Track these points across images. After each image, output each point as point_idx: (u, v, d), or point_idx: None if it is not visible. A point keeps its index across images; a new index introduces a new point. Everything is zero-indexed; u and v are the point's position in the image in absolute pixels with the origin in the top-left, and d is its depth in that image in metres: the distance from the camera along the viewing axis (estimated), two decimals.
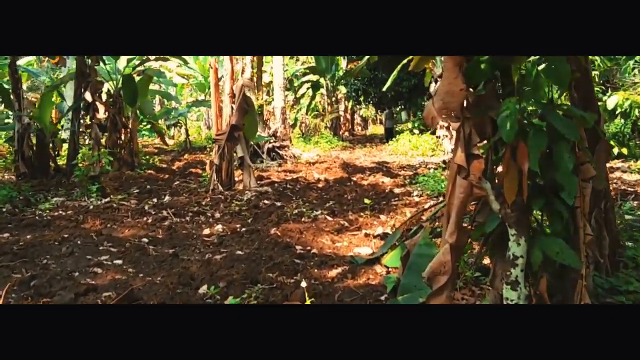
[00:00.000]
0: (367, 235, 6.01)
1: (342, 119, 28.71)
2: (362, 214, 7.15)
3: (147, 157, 16.04)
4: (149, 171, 13.14)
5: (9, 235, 6.40)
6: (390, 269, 4.67)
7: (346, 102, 31.93)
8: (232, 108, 9.88)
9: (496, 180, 3.30)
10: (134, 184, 11.23)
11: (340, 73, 27.65)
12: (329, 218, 6.96)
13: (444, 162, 13.16)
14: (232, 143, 9.80)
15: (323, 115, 27.94)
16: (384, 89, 16.13)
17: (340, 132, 27.22)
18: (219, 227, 6.70)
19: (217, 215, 7.54)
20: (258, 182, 10.24)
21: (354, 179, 11.50)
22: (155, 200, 8.85)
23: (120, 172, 12.39)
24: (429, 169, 12.41)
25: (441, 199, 7.96)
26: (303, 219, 6.92)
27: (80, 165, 9.84)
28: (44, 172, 12.24)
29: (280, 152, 15.89)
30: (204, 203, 8.43)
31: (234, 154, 10.08)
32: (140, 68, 14.51)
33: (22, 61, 20.99)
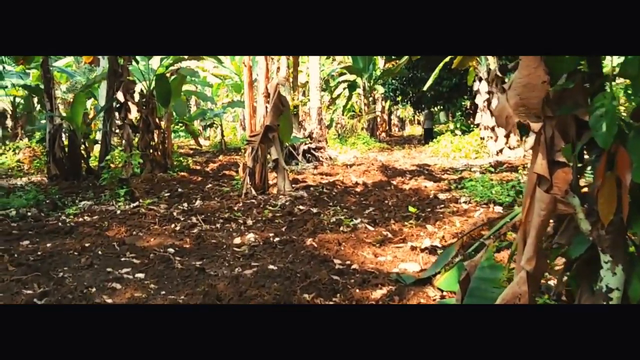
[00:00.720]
0: (413, 248, 5.41)
1: (379, 119, 28.04)
2: (406, 223, 6.55)
3: (181, 158, 15.73)
4: (182, 173, 12.78)
5: (29, 243, 6.02)
6: (445, 293, 4.07)
7: (383, 102, 31.29)
8: (266, 108, 9.39)
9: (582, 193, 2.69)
10: (166, 186, 10.86)
11: (378, 72, 27.01)
12: (370, 227, 6.38)
13: (491, 164, 12.44)
14: (266, 145, 9.31)
15: (359, 115, 27.35)
16: (424, 88, 15.50)
17: (377, 133, 26.56)
18: (250, 236, 6.19)
19: (249, 222, 7.04)
20: (293, 185, 9.74)
21: (394, 182, 10.89)
22: (185, 204, 8.41)
23: (152, 174, 12.05)
24: (474, 172, 11.71)
25: (494, 208, 7.30)
26: (341, 228, 6.35)
27: (111, 166, 9.46)
28: (76, 174, 11.99)
29: (316, 154, 15.37)
30: (235, 208, 7.96)
31: (268, 156, 9.59)
32: (174, 67, 14.17)
33: (61, 62, 21.03)
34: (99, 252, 5.40)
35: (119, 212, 7.78)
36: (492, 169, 12.10)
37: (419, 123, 44.74)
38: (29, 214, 7.79)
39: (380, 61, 27.36)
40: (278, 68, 9.49)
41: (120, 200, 8.43)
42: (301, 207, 8.04)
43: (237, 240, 6.11)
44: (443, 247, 5.39)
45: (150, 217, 7.17)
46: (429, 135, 25.11)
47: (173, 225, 6.80)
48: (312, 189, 9.86)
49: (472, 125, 17.87)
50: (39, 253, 5.43)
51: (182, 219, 7.15)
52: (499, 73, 15.27)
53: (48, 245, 5.83)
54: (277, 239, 6.06)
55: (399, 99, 28.48)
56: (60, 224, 6.93)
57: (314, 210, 7.65)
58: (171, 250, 5.59)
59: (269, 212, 7.59)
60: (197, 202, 8.68)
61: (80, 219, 7.25)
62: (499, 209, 7.42)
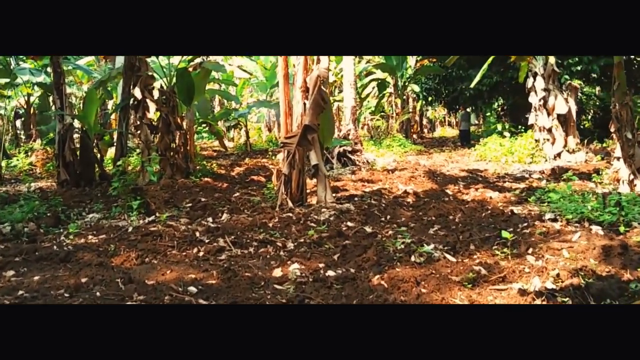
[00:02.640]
0: (522, 292, 3.95)
1: (411, 120, 26.51)
2: (496, 251, 5.08)
3: (204, 162, 14.42)
4: (206, 179, 11.43)
5: (13, 274, 4.71)
6: None
7: (414, 102, 29.69)
8: (304, 105, 8.00)
9: None
10: (187, 194, 9.53)
11: (409, 71, 25.49)
12: (450, 257, 4.92)
13: (554, 170, 10.89)
14: (304, 148, 7.92)
15: (389, 116, 25.85)
16: (472, 85, 13.97)
17: (411, 135, 25.04)
18: (294, 268, 4.80)
19: (290, 245, 5.66)
20: (333, 194, 8.33)
21: (449, 191, 9.42)
22: (210, 219, 7.07)
23: (173, 180, 10.73)
24: (539, 179, 10.19)
25: (591, 227, 5.80)
26: (413, 258, 4.91)
27: (126, 172, 8.14)
28: (88, 180, 10.73)
29: (352, 158, 13.94)
30: (271, 225, 6.58)
31: (306, 161, 8.21)
32: (197, 61, 12.85)
33: (82, 61, 19.96)
34: (97, 294, 4.04)
35: (130, 229, 6.45)
36: (574, 177, 10.58)
37: (449, 124, 43.10)
38: (26, 229, 6.50)
39: (411, 59, 25.81)
40: (318, 58, 8.08)
41: (133, 214, 7.10)
42: (350, 223, 6.64)
43: (278, 273, 4.73)
44: (561, 290, 3.94)
45: (167, 238, 5.81)
46: (465, 137, 23.55)
47: (196, 250, 5.44)
48: (356, 199, 8.45)
49: (520, 127, 16.30)
50: (20, 293, 4.09)
51: (206, 240, 5.77)
52: (556, 68, 13.71)
53: (35, 278, 4.50)
54: (330, 272, 4.65)
55: (430, 98, 26.97)
56: (56, 247, 5.59)
57: (368, 229, 6.24)
58: (193, 289, 4.21)
59: (312, 231, 6.20)
60: (224, 215, 7.33)
61: (82, 240, 5.92)
62: (596, 228, 5.94)
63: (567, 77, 16.67)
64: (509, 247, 5.03)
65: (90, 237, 6.09)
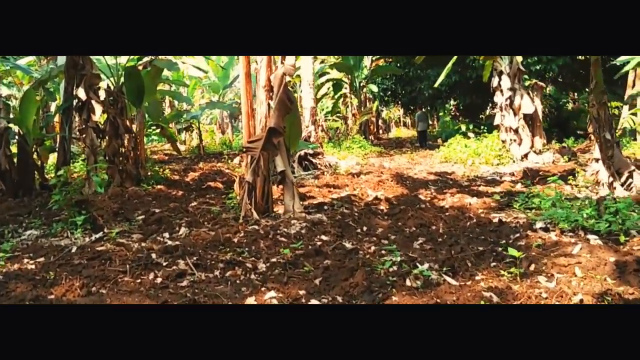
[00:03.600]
0: None
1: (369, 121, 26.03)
2: (501, 271, 4.49)
3: (157, 166, 13.48)
4: (159, 186, 10.55)
5: None
6: None
7: (371, 102, 29.28)
8: (268, 106, 7.29)
9: None
10: (139, 204, 8.66)
11: (365, 71, 25.02)
12: (451, 280, 4.30)
13: (526, 173, 10.50)
14: (269, 153, 7.21)
15: (345, 117, 25.31)
16: (436, 84, 13.54)
17: (369, 136, 24.57)
18: (270, 296, 4.09)
19: (262, 266, 4.93)
20: (300, 202, 7.64)
21: (422, 197, 8.88)
22: (166, 235, 6.27)
23: (122, 189, 9.82)
24: (514, 182, 9.76)
25: (587, 236, 5.30)
26: (408, 282, 4.26)
27: (69, 181, 7.21)
28: (27, 190, 9.70)
29: (314, 161, 13.27)
30: (236, 240, 5.85)
31: (271, 168, 7.50)
32: (147, 59, 11.91)
33: (23, 61, 18.58)
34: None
35: (74, 249, 5.59)
36: (529, 179, 10.20)
37: (404, 125, 43.02)
38: None
39: (366, 59, 25.33)
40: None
41: (77, 232, 6.21)
42: (324, 237, 5.98)
43: (251, 302, 4.02)
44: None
45: (118, 261, 4.98)
46: (423, 138, 23.29)
47: (152, 276, 4.64)
48: (326, 207, 7.78)
49: (483, 127, 15.99)
50: None
51: (164, 263, 4.97)
52: (522, 67, 13.40)
53: None
54: (313, 300, 3.97)
55: (387, 99, 26.61)
56: None
57: (347, 244, 5.58)
58: None
59: (284, 246, 5.51)
60: (182, 230, 6.54)
61: (16, 266, 5.03)
62: (593, 237, 5.47)
63: (526, 76, 16.49)
64: (517, 266, 4.43)
65: (26, 260, 5.20)
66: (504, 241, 5.58)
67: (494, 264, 4.74)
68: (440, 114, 33.38)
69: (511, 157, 13.16)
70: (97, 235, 6.19)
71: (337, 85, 26.54)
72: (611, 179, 8.31)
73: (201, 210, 7.79)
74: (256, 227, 6.49)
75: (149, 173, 11.70)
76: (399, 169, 12.80)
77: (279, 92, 7.14)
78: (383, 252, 5.29)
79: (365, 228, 6.53)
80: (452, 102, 26.77)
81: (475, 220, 6.63)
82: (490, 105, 24.94)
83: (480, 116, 24.22)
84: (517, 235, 5.74)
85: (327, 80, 25.72)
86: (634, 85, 17.61)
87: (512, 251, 4.37)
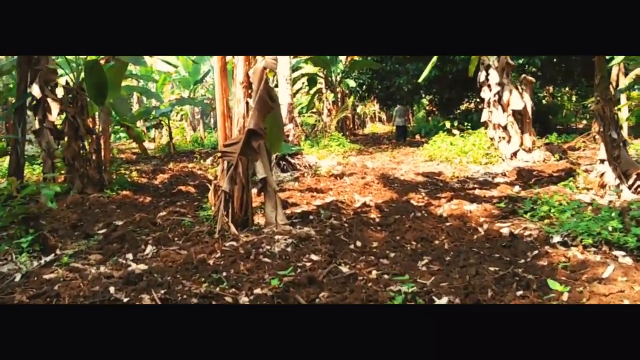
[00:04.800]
0: None
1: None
2: (535, 300, 3.74)
3: (122, 169, 12.49)
4: (124, 192, 9.62)
5: None
6: None
7: (347, 98, 28.49)
8: (247, 104, 6.45)
9: None
10: (102, 214, 7.77)
11: (341, 66, 24.20)
12: None
13: (521, 173, 9.85)
14: (248, 157, 6.38)
15: (320, 112, 24.49)
16: (420, 79, 12.82)
17: (347, 133, 23.81)
18: None
19: (244, 299, 4.11)
20: (284, 211, 6.82)
21: (414, 202, 8.14)
22: (130, 256, 5.40)
23: (83, 196, 8.88)
24: (512, 185, 9.08)
25: (615, 253, 4.61)
26: None
27: (10, 196, 6.22)
28: None
29: (293, 162, 12.45)
30: (211, 262, 5.01)
31: (251, 175, 6.67)
32: None
33: None
34: None
35: (19, 277, 4.70)
36: (524, 180, 9.55)
37: (380, 120, 42.31)
38: None
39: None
40: None
41: (22, 256, 5.27)
42: (314, 256, 5.18)
43: None
44: None
45: (68, 297, 4.09)
46: (402, 134, 22.64)
47: None
48: (311, 217, 6.98)
49: (466, 124, 15.32)
50: None
51: (124, 298, 4.09)
52: (510, 61, 12.74)
53: None
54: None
55: (362, 94, 25.80)
56: None
57: (344, 268, 4.78)
58: None
59: (268, 269, 4.71)
60: (148, 248, 5.67)
61: None
62: (620, 254, 4.80)
63: None
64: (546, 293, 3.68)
65: None
66: (522, 260, 4.86)
67: (519, 292, 3.99)
68: (415, 108, 32.81)
69: (500, 156, 12.50)
70: (48, 258, 5.28)
71: (312, 80, 25.69)
72: (617, 181, 7.68)
73: (171, 222, 6.91)
74: (235, 243, 5.66)
75: (114, 177, 10.74)
76: (383, 170, 12.04)
77: (258, 88, 6.31)
78: (386, 276, 4.51)
79: (359, 243, 5.74)
80: (426, 97, 26.14)
81: (482, 233, 5.88)
82: (467, 100, 24.45)
83: (457, 111, 23.68)
84: (536, 252, 5.02)
85: (302, 75, 24.83)
86: (617, 81, 17.21)
87: (554, 284, 3.63)
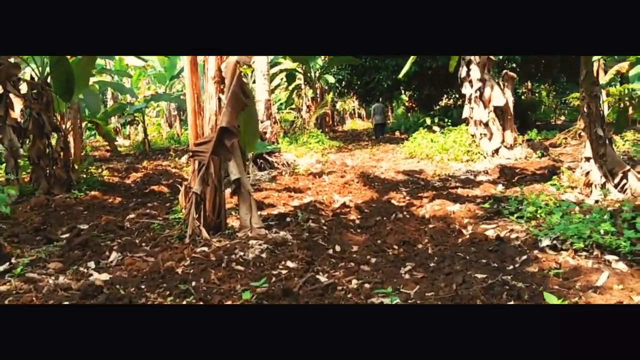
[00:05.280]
0: None
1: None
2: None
3: (94, 167, 12.02)
4: (93, 192, 9.19)
5: None
6: None
7: (326, 94, 28.14)
8: (219, 101, 6.09)
9: None
10: (68, 216, 7.37)
11: (320, 61, 23.84)
12: None
13: (503, 171, 9.62)
14: (221, 157, 6.02)
15: (300, 109, 24.12)
16: (401, 74, 12.54)
17: (326, 130, 23.49)
18: None
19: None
20: (259, 213, 6.49)
21: (395, 202, 7.86)
22: (92, 264, 5.02)
23: (49, 197, 8.44)
24: (495, 184, 8.84)
25: (605, 257, 4.35)
26: None
27: None
28: None
29: (270, 159, 12.09)
30: (180, 271, 4.66)
31: (224, 175, 6.32)
32: None
33: None
34: None
35: None
36: (507, 178, 9.32)
37: (360, 117, 42.06)
38: None
39: None
40: None
41: None
42: (290, 263, 4.85)
43: None
44: None
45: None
46: (381, 131, 22.39)
47: None
48: (289, 220, 6.64)
49: (447, 120, 15.06)
50: None
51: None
52: (492, 56, 12.52)
53: None
54: None
55: (342, 90, 25.47)
56: None
57: (322, 277, 4.46)
58: None
59: (240, 278, 4.37)
60: (113, 255, 5.30)
61: None
62: (613, 258, 4.56)
63: None
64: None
65: None
66: (510, 266, 4.59)
67: (510, 302, 3.72)
68: (394, 104, 32.56)
69: (482, 153, 12.27)
70: (3, 267, 4.87)
71: (291, 75, 25.29)
72: (603, 179, 7.47)
73: (139, 225, 6.53)
74: (206, 249, 5.31)
75: (84, 176, 10.28)
76: (363, 168, 11.74)
77: (231, 84, 5.95)
78: (367, 285, 4.20)
79: (338, 248, 5.43)
80: (406, 93, 25.90)
81: (467, 236, 5.60)
82: (446, 96, 24.27)
83: (436, 108, 23.49)
84: (525, 257, 4.75)
85: (281, 71, 24.42)
86: (597, 77, 17.12)
87: (550, 297, 3.34)
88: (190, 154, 6.04)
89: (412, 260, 4.95)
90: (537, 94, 27.02)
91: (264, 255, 5.08)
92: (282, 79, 26.64)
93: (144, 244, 5.69)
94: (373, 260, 5.03)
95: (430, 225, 6.22)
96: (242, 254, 5.10)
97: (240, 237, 5.70)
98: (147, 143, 19.99)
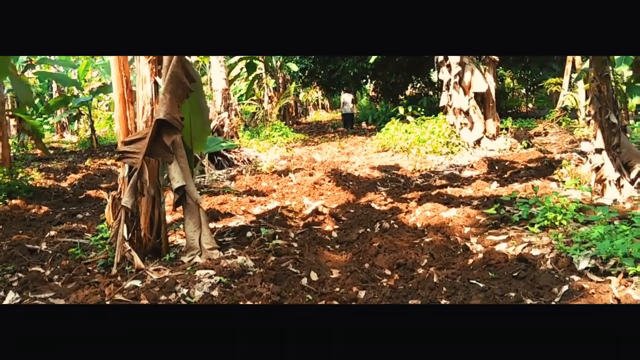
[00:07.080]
0: None
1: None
2: None
3: (30, 168, 10.39)
4: (15, 201, 7.67)
5: None
6: None
7: (289, 84, 26.70)
8: (154, 86, 4.71)
9: None
10: None
11: None
12: None
13: (493, 166, 8.47)
14: (158, 159, 4.65)
15: (262, 100, 22.69)
16: (371, 60, 11.30)
17: (290, 121, 22.12)
18: None
19: None
20: (211, 229, 5.13)
21: (376, 205, 6.63)
22: None
23: None
24: (489, 182, 7.66)
25: None
26: None
27: None
28: None
29: (229, 156, 10.70)
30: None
31: (163, 182, 4.95)
32: None
33: None
34: None
35: None
36: (499, 173, 8.20)
37: (324, 107, 40.79)
38: None
39: None
40: None
41: None
42: (251, 303, 3.54)
43: None
44: None
45: None
46: (350, 122, 21.21)
47: None
48: (250, 235, 5.32)
49: (421, 109, 13.90)
50: None
51: None
52: None
53: None
54: None
55: (305, 79, 24.13)
56: None
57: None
58: None
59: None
60: (10, 295, 3.90)
61: None
62: None
63: None
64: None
65: None
66: (548, 299, 3.39)
67: None
68: (357, 94, 31.40)
69: (462, 144, 11.11)
70: None
71: (251, 65, 23.77)
72: (617, 174, 6.37)
73: (58, 247, 5.11)
74: (138, 283, 3.96)
75: (8, 180, 8.73)
76: (333, 164, 10.44)
77: (170, 65, 4.58)
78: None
79: (314, 275, 4.15)
80: (372, 82, 24.75)
81: (479, 256, 4.36)
82: (411, 85, 23.19)
83: (401, 97, 22.40)
84: (566, 288, 3.54)
85: (240, 60, 22.87)
86: (574, 61, 16.24)
87: None
88: (118, 155, 4.64)
89: (414, 294, 3.70)
90: (500, 82, 26.22)
91: (214, 292, 3.75)
92: (241, 69, 25.09)
93: (55, 277, 4.28)
94: (362, 294, 3.76)
95: (427, 239, 4.97)
96: (185, 291, 3.77)
97: (186, 264, 4.36)
98: (94, 139, 18.28)
